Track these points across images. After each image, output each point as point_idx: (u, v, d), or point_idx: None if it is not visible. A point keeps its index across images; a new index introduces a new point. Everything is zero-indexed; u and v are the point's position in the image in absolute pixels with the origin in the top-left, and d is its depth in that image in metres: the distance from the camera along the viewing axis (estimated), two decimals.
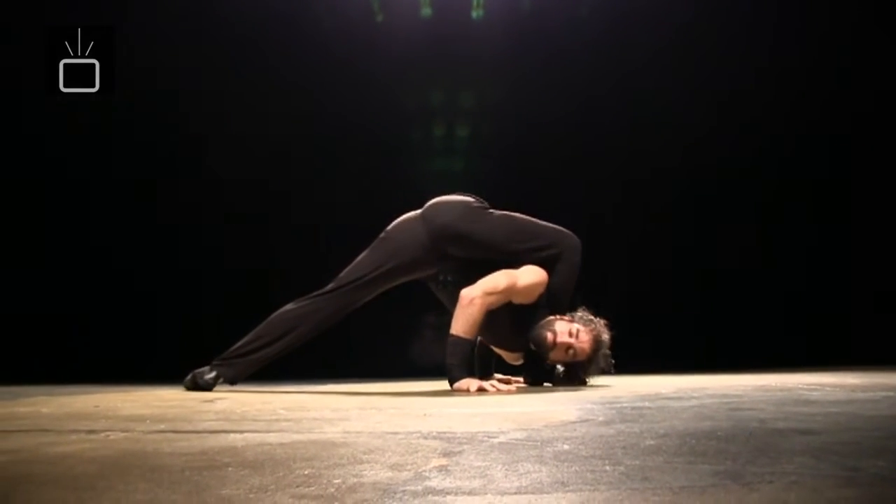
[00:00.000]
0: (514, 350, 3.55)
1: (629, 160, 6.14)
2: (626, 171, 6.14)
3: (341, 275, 3.48)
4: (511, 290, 3.26)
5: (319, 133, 5.99)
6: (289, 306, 3.45)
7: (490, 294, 3.22)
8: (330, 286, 3.46)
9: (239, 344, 3.41)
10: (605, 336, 3.31)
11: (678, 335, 5.85)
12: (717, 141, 6.20)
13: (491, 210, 3.49)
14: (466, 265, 3.41)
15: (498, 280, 3.25)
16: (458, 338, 3.16)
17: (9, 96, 5.44)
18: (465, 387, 3.04)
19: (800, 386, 2.91)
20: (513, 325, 3.36)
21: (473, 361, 3.25)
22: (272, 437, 1.48)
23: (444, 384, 3.47)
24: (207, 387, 3.27)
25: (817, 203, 6.36)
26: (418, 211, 3.54)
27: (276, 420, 1.84)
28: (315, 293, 3.44)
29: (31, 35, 4.94)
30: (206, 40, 5.75)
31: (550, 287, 3.35)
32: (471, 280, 3.29)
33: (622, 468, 1.07)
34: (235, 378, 3.38)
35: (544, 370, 3.44)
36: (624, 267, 3.39)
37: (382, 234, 3.55)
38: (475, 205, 3.48)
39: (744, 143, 6.26)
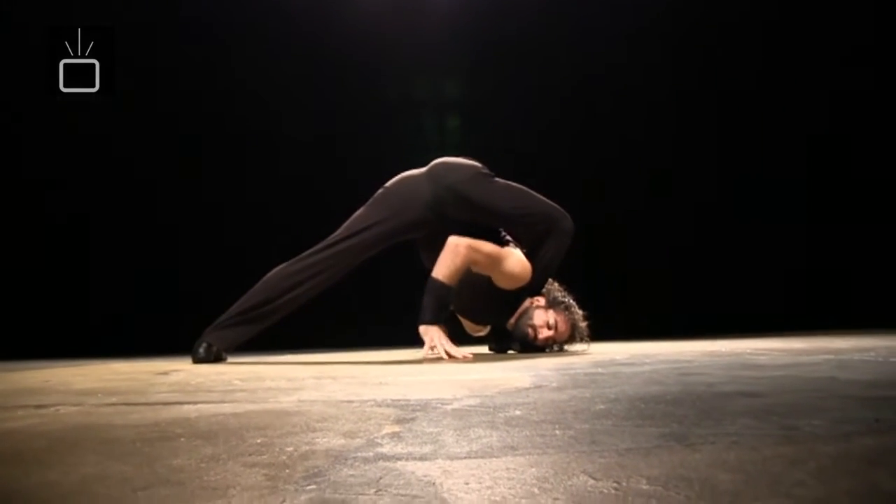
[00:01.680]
0: (483, 324, 3.58)
1: (592, 134, 6.19)
2: (585, 148, 6.19)
3: (337, 231, 3.38)
4: (496, 259, 3.24)
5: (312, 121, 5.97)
6: (283, 266, 3.33)
7: (476, 250, 3.19)
8: (326, 242, 3.35)
9: (232, 309, 3.28)
10: (581, 322, 3.38)
11: (636, 303, 5.97)
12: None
13: (496, 178, 3.45)
14: (461, 229, 3.36)
15: (486, 243, 3.24)
16: (438, 282, 3.15)
17: (9, 96, 5.35)
18: (429, 335, 3.06)
19: (748, 351, 2.98)
20: (490, 299, 3.36)
21: (447, 308, 3.23)
22: (226, 408, 1.48)
23: (401, 354, 3.49)
24: (206, 359, 3.16)
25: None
26: (421, 169, 3.47)
27: (231, 391, 1.84)
28: (310, 251, 3.33)
29: (32, 35, 4.94)
30: (205, 39, 5.70)
31: (534, 269, 3.34)
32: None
33: (571, 432, 1.10)
34: (230, 346, 3.26)
35: (509, 340, 3.49)
36: (585, 238, 3.46)
37: (382, 190, 3.46)
38: (483, 171, 3.44)
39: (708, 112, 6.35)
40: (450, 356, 3.03)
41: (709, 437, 1.02)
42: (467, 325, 3.65)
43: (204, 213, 5.73)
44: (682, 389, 1.57)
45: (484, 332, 3.64)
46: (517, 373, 2.18)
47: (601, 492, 0.78)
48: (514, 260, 3.29)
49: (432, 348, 3.05)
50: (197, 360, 3.17)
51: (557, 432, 1.10)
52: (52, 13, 5.11)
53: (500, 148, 5.51)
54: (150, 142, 5.69)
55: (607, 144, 6.20)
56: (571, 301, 3.42)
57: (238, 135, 5.82)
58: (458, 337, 3.74)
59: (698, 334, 5.01)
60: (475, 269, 3.24)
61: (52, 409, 1.54)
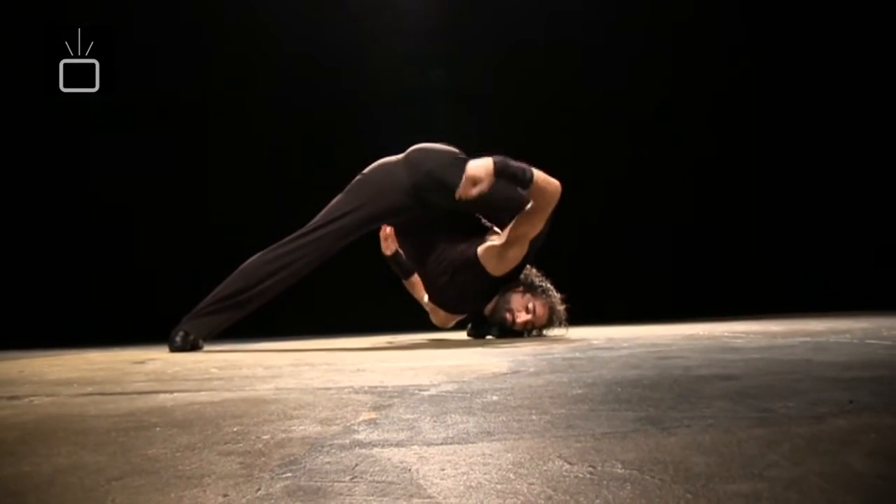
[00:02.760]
0: (461, 312, 3.58)
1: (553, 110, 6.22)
2: (554, 127, 6.22)
3: (315, 218, 3.36)
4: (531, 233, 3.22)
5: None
6: (261, 254, 3.31)
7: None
8: (303, 229, 3.33)
9: (209, 297, 3.27)
10: (559, 306, 3.39)
11: (615, 287, 6.01)
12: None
13: None
14: (441, 216, 3.37)
15: None
16: (529, 175, 3.03)
17: (9, 96, 5.38)
18: (480, 175, 2.96)
19: (726, 334, 3.01)
20: (472, 286, 3.35)
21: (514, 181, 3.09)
22: (202, 396, 1.47)
23: (379, 340, 3.50)
24: (182, 348, 3.13)
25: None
26: (399, 155, 3.45)
27: (208, 379, 1.83)
28: (287, 238, 3.31)
29: (32, 35, 5.02)
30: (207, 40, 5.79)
31: None
32: (441, 234, 3.29)
33: (548, 417, 1.10)
34: (207, 335, 3.24)
35: (486, 325, 3.50)
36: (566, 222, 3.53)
37: (359, 177, 3.44)
38: (460, 156, 3.39)
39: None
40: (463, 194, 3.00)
41: (684, 420, 1.03)
42: (438, 316, 3.64)
43: (185, 205, 5.74)
44: (659, 373, 1.59)
45: (452, 322, 3.65)
46: (495, 358, 2.19)
47: (576, 476, 0.79)
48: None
49: (473, 184, 2.98)
50: (173, 349, 3.15)
51: (534, 417, 1.10)
52: (52, 13, 5.17)
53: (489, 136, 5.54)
54: (147, 136, 5.74)
55: (590, 128, 6.24)
56: (549, 285, 3.43)
57: (223, 130, 5.85)
58: (427, 328, 3.78)
59: (678, 318, 5.05)
60: (525, 218, 3.17)
61: (26, 399, 1.53)
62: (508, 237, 3.22)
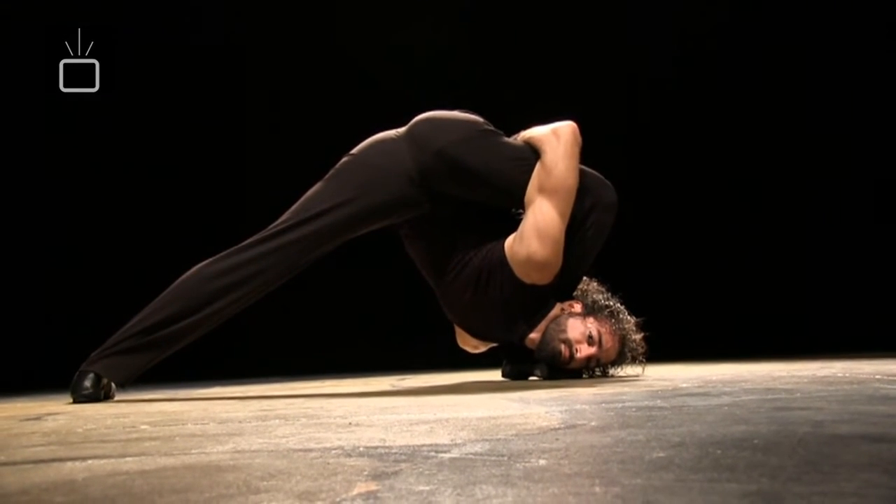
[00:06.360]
0: (490, 339, 3.57)
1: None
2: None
3: (283, 216, 3.34)
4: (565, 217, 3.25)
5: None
6: (206, 264, 3.29)
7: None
8: (266, 231, 3.31)
9: (132, 325, 3.23)
10: (634, 335, 3.37)
11: (713, 310, 6.01)
12: None
13: (505, 138, 3.42)
14: (460, 213, 3.41)
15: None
16: None
17: (9, 96, 6.36)
18: None
19: (876, 377, 2.98)
20: (508, 309, 3.35)
21: None
22: (129, 464, 1.48)
23: (378, 382, 3.51)
24: (94, 396, 3.11)
25: None
26: (399, 130, 3.45)
27: (137, 439, 1.84)
28: (244, 243, 3.29)
29: (32, 35, 6.22)
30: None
31: (568, 259, 3.29)
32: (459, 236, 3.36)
33: (617, 489, 1.10)
34: (127, 378, 3.21)
35: (529, 361, 3.48)
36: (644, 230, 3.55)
37: (346, 159, 3.43)
38: (485, 126, 3.41)
39: None
40: None
41: (814, 497, 1.03)
42: (465, 338, 3.63)
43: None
44: (776, 430, 1.58)
45: (483, 348, 3.64)
46: (541, 407, 2.19)
47: None
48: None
49: None
50: (80, 398, 3.12)
51: (597, 489, 1.10)
52: (52, 13, 6.31)
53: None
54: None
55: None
56: (619, 305, 3.41)
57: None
58: (455, 354, 3.79)
59: (803, 353, 5.02)
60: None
61: None
62: (528, 198, 3.25)
